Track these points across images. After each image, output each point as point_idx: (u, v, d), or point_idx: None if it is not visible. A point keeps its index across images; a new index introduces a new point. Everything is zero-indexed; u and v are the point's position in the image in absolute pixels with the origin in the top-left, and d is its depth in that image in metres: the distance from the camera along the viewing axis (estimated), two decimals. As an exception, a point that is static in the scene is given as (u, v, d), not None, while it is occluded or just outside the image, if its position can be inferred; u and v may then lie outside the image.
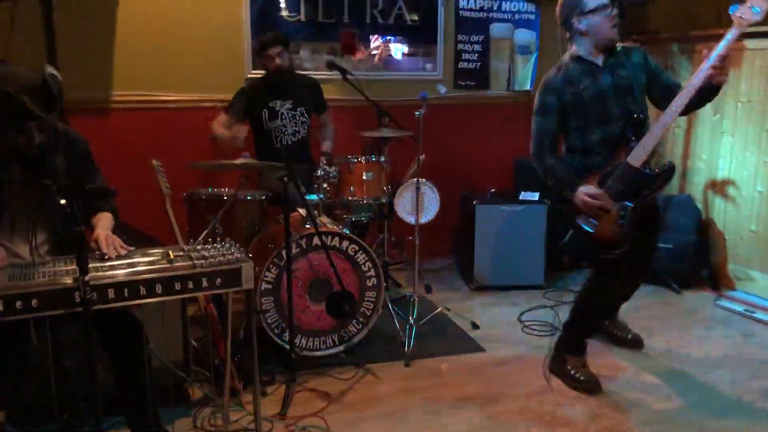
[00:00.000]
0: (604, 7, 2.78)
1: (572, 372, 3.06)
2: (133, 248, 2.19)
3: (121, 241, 2.18)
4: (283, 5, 4.44)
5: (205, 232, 3.06)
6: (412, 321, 3.49)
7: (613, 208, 2.79)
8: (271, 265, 3.13)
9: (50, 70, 2.03)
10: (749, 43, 4.11)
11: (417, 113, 3.43)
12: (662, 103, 2.91)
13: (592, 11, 2.79)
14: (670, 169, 2.79)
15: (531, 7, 4.96)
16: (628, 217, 2.78)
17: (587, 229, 2.86)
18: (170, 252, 2.12)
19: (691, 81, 2.66)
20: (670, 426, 2.73)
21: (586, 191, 2.80)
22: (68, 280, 1.89)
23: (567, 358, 3.10)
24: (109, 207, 2.30)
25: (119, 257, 2.11)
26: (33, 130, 2.04)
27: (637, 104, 2.90)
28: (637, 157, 2.76)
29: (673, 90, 2.85)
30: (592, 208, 2.80)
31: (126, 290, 1.96)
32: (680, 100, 2.68)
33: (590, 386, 3.00)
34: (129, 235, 3.97)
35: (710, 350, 3.46)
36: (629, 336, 3.46)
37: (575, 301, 3.16)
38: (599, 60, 2.89)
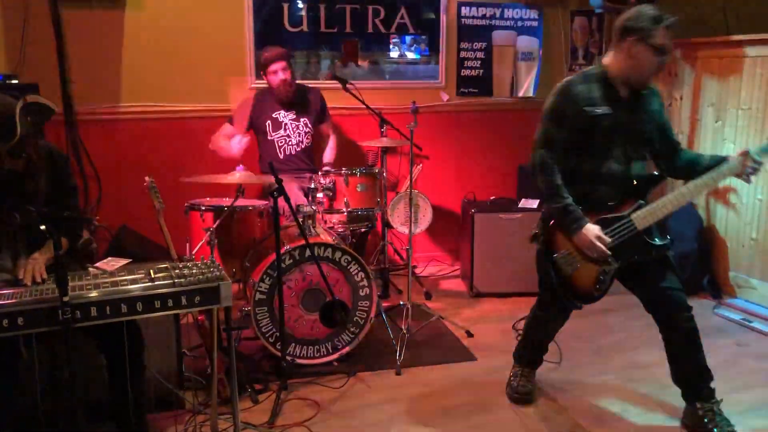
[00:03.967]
0: (663, 52, 2.54)
1: (511, 378, 3.12)
2: (47, 277, 2.21)
3: (43, 269, 2.22)
4: (286, 16, 4.53)
5: (200, 244, 3.16)
6: (404, 330, 3.56)
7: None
8: (264, 276, 3.22)
9: (32, 98, 2.13)
10: (749, 51, 4.09)
11: (408, 126, 3.48)
12: (660, 160, 2.79)
13: (653, 47, 2.52)
14: (670, 246, 2.67)
15: (533, 14, 4.98)
16: (609, 275, 2.67)
17: (565, 271, 2.71)
18: (151, 271, 2.21)
19: (720, 174, 2.61)
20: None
21: (599, 235, 2.61)
22: (53, 299, 1.99)
23: (515, 365, 3.15)
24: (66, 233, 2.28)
25: (105, 275, 2.22)
26: (2, 156, 2.13)
27: (643, 154, 2.75)
28: (643, 220, 2.63)
29: (674, 148, 2.75)
30: (598, 252, 2.61)
31: (108, 308, 2.06)
32: (704, 188, 2.67)
33: (517, 396, 3.04)
34: (139, 245, 4.15)
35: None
36: None
37: (525, 325, 3.15)
38: (623, 92, 2.66)
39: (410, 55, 4.84)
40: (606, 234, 2.63)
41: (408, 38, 4.80)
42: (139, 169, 4.33)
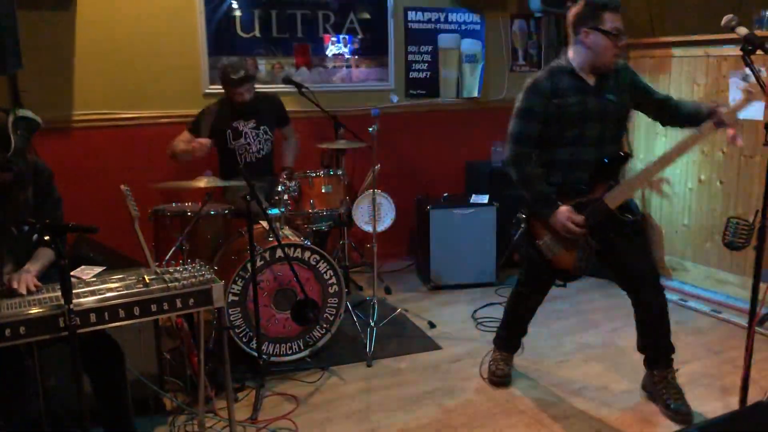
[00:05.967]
0: (618, 33, 2.70)
1: (490, 363, 3.31)
2: (42, 286, 2.26)
3: (35, 279, 2.26)
4: (238, 22, 4.60)
5: (172, 250, 3.22)
6: (372, 323, 3.72)
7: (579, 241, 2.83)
8: (236, 278, 3.31)
9: (21, 113, 2.17)
10: (677, 51, 4.43)
11: (370, 129, 3.63)
12: (663, 119, 2.96)
13: (605, 32, 2.69)
14: (641, 220, 2.85)
15: (476, 18, 5.21)
16: (588, 253, 2.82)
17: (546, 255, 2.88)
18: (145, 276, 2.29)
19: (684, 147, 2.76)
20: (611, 407, 3.01)
21: (570, 216, 2.77)
22: (52, 307, 2.05)
23: (494, 350, 3.36)
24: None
25: (97, 282, 2.29)
26: None
27: (619, 133, 2.90)
28: (614, 199, 2.77)
29: (667, 103, 2.89)
30: (572, 233, 2.77)
31: (106, 314, 2.13)
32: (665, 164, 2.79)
33: (496, 380, 3.24)
34: (102, 254, 4.14)
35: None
36: (672, 405, 2.91)
37: (505, 306, 3.34)
38: (590, 80, 2.81)
39: (346, 55, 4.94)
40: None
41: (341, 37, 4.92)
42: (93, 179, 4.34)
